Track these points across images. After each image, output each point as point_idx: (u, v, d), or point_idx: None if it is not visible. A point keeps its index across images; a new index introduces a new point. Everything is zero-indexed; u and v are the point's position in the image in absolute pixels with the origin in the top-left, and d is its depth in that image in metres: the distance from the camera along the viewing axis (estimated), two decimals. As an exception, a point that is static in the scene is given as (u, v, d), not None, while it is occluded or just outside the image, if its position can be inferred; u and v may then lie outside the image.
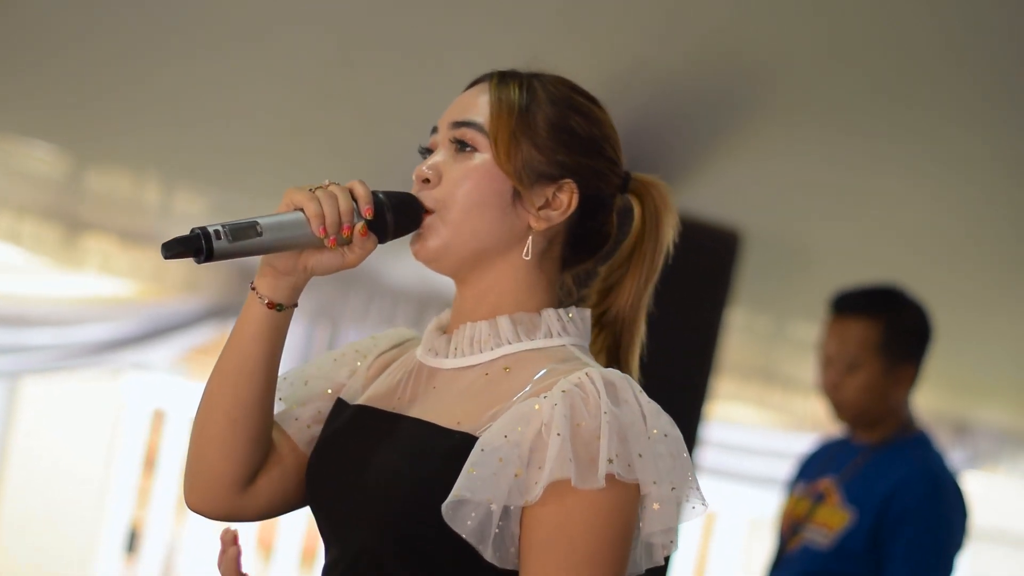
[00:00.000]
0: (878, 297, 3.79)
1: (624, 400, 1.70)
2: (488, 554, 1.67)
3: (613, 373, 1.73)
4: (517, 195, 1.82)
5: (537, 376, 1.76)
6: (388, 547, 1.73)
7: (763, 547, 6.99)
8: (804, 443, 4.39)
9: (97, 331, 5.41)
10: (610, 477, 1.65)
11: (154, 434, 7.41)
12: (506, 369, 1.80)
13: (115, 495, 7.27)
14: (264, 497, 1.91)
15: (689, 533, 8.10)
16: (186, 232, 1.71)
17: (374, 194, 1.79)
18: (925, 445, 3.75)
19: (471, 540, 1.66)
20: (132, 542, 7.41)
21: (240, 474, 1.87)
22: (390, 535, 1.72)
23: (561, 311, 1.85)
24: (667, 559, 1.77)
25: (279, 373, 1.89)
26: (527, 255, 1.83)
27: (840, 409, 3.79)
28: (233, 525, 1.90)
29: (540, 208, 1.83)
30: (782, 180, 4.51)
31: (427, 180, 1.83)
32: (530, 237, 1.83)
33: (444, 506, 1.65)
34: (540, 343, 1.82)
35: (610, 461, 1.65)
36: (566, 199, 1.84)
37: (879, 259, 5.00)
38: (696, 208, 4.39)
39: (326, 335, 5.63)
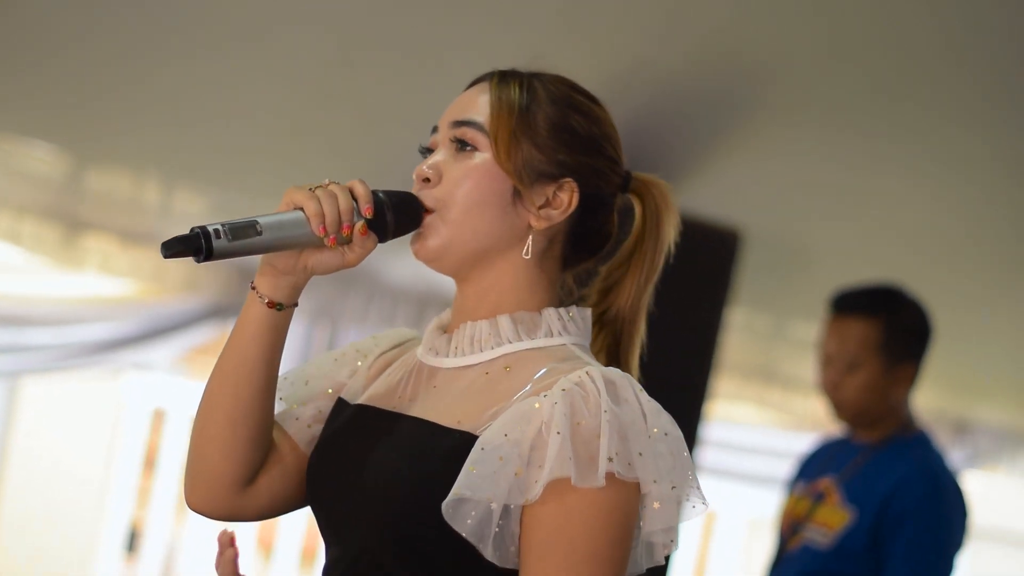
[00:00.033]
0: (878, 296, 3.79)
1: (624, 399, 1.70)
2: (488, 553, 1.67)
3: (613, 372, 1.73)
4: (517, 194, 1.82)
5: (538, 375, 1.76)
6: (388, 547, 1.73)
7: (763, 547, 6.99)
8: (804, 443, 4.39)
9: (97, 331, 5.41)
10: (610, 476, 1.65)
11: (154, 434, 7.41)
12: (507, 368, 1.79)
13: (115, 495, 7.27)
14: (265, 497, 1.91)
15: (689, 533, 8.10)
16: (186, 231, 1.71)
17: (374, 193, 1.79)
18: (925, 444, 3.75)
19: (471, 539, 1.66)
20: (132, 542, 7.41)
21: (240, 474, 1.87)
22: (390, 535, 1.72)
23: (562, 310, 1.85)
24: (667, 558, 1.77)
25: (279, 373, 1.89)
26: (527, 254, 1.83)
27: (840, 408, 3.79)
28: (233, 525, 1.90)
29: (540, 207, 1.83)
30: (782, 180, 4.51)
31: (427, 179, 1.83)
32: (530, 236, 1.83)
33: (444, 504, 1.65)
34: (541, 342, 1.82)
35: (610, 460, 1.65)
36: (566, 198, 1.84)
37: (879, 259, 5.00)
38: (696, 208, 4.39)
39: (326, 335, 5.63)
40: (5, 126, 4.72)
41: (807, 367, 4.73)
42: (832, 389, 3.78)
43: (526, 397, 1.73)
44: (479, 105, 1.85)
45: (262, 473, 1.90)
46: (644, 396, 1.72)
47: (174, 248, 1.70)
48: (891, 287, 3.83)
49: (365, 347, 2.01)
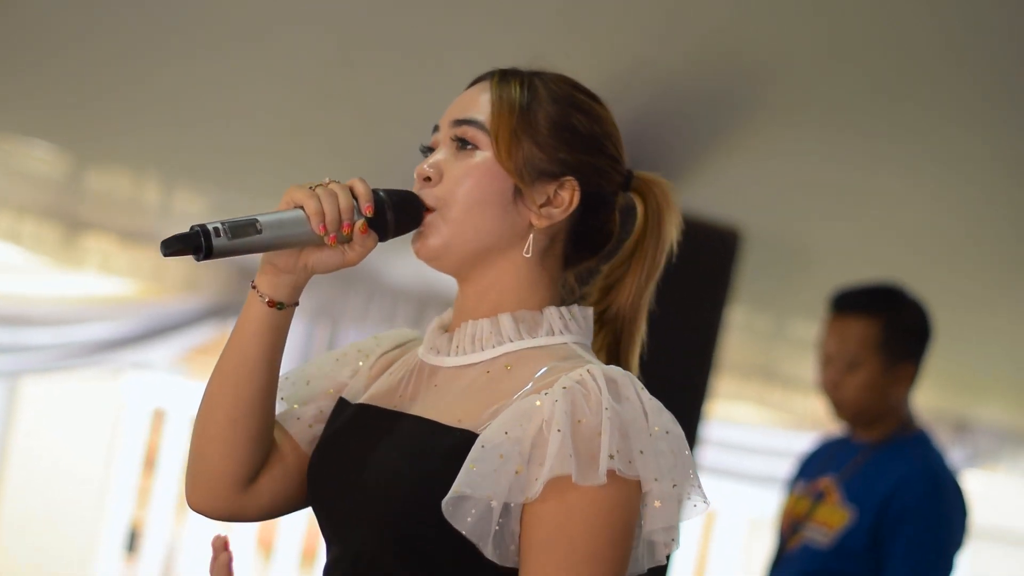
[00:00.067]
0: (878, 296, 3.79)
1: (626, 397, 1.70)
2: (488, 551, 1.66)
3: (615, 370, 1.73)
4: (518, 193, 1.82)
5: (539, 373, 1.76)
6: (388, 546, 1.73)
7: (763, 546, 6.99)
8: (804, 442, 4.39)
9: (97, 331, 5.42)
10: (611, 473, 1.65)
11: (154, 434, 7.41)
12: (508, 367, 1.79)
13: (115, 495, 7.28)
14: (266, 497, 1.90)
15: (689, 532, 8.11)
16: (186, 230, 1.71)
17: (375, 192, 1.79)
18: (925, 444, 3.75)
19: (471, 537, 1.65)
20: (132, 542, 7.41)
21: (241, 473, 1.87)
22: (390, 534, 1.72)
23: (563, 309, 1.85)
24: (668, 557, 1.76)
25: (280, 373, 1.89)
26: (528, 253, 1.83)
27: (840, 408, 3.79)
28: (231, 526, 1.90)
29: (541, 206, 1.83)
30: (782, 180, 4.51)
31: (428, 178, 1.83)
32: (531, 235, 1.83)
33: (444, 502, 1.65)
34: (542, 341, 1.82)
35: (611, 457, 1.65)
36: (567, 197, 1.83)
37: (879, 259, 5.00)
38: (696, 207, 4.39)
39: (326, 334, 5.63)
40: (5, 126, 4.72)
41: (807, 366, 4.73)
42: (832, 388, 3.78)
43: (527, 395, 1.72)
44: (480, 104, 1.84)
45: (263, 473, 1.90)
46: (645, 394, 1.72)
47: (174, 246, 1.70)
48: (891, 286, 3.83)
49: (367, 347, 2.01)
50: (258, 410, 1.85)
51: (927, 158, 4.25)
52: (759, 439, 6.91)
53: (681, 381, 4.37)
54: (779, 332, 6.29)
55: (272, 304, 1.81)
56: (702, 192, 4.39)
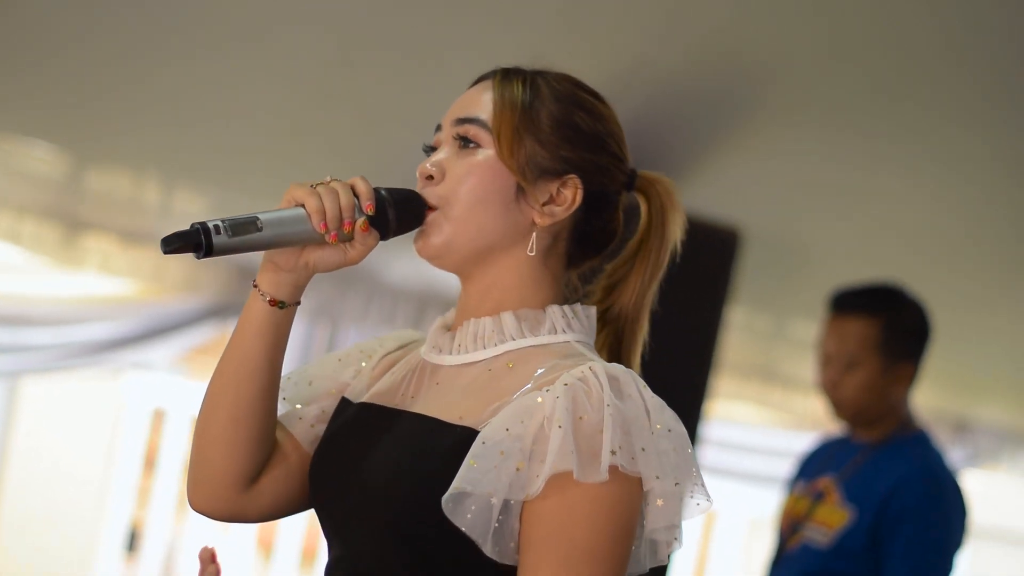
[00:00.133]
0: (877, 295, 3.79)
1: (628, 394, 1.69)
2: (487, 549, 1.66)
3: (617, 368, 1.72)
4: (521, 191, 1.82)
5: (540, 371, 1.76)
6: (388, 545, 1.72)
7: (763, 546, 6.99)
8: (804, 442, 4.39)
9: (97, 331, 5.42)
10: (613, 470, 1.64)
11: (154, 434, 7.41)
12: (509, 365, 1.79)
13: (115, 495, 7.28)
14: (268, 497, 1.90)
15: (689, 532, 8.11)
16: (186, 228, 1.71)
17: (376, 190, 1.79)
18: (924, 443, 3.75)
19: (471, 534, 1.65)
20: (132, 542, 7.42)
21: (243, 473, 1.87)
22: (390, 533, 1.72)
23: (566, 307, 1.84)
24: (669, 557, 1.76)
25: (282, 373, 1.89)
26: (532, 251, 1.83)
27: (839, 407, 3.79)
28: (231, 526, 1.90)
29: (544, 204, 1.83)
30: (782, 180, 4.51)
31: (430, 177, 1.83)
32: (534, 233, 1.83)
33: (444, 499, 1.65)
34: (544, 339, 1.82)
35: (613, 453, 1.64)
36: (570, 195, 1.83)
37: (879, 258, 5.01)
38: (696, 207, 4.38)
39: (326, 334, 5.63)
40: (5, 126, 4.72)
41: (807, 366, 4.73)
42: (831, 388, 3.78)
43: (528, 392, 1.72)
44: (482, 102, 1.84)
45: (265, 473, 1.90)
46: (648, 392, 1.71)
47: (174, 244, 1.70)
48: (890, 286, 3.83)
49: (369, 348, 2.00)
50: (260, 410, 1.85)
51: (927, 158, 4.25)
52: (759, 439, 6.91)
53: (681, 381, 4.37)
54: (779, 332, 6.29)
55: (273, 303, 1.81)
56: (702, 192, 4.39)
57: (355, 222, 1.77)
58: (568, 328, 1.83)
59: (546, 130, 1.83)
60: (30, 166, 4.96)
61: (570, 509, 1.66)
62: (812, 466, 3.94)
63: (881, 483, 3.65)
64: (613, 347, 1.93)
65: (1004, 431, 6.97)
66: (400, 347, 2.00)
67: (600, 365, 1.72)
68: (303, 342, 5.55)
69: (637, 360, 1.93)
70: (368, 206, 1.77)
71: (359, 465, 1.79)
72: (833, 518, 3.69)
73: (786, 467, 4.31)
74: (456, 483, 1.65)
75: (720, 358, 4.81)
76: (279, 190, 1.79)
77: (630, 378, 1.72)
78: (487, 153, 1.82)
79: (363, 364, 1.98)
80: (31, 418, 7.06)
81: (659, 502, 1.69)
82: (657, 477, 1.67)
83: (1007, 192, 4.37)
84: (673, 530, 1.71)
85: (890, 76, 3.83)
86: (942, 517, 3.62)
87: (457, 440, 1.71)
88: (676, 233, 1.93)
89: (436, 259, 1.84)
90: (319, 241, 1.77)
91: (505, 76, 1.87)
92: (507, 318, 1.82)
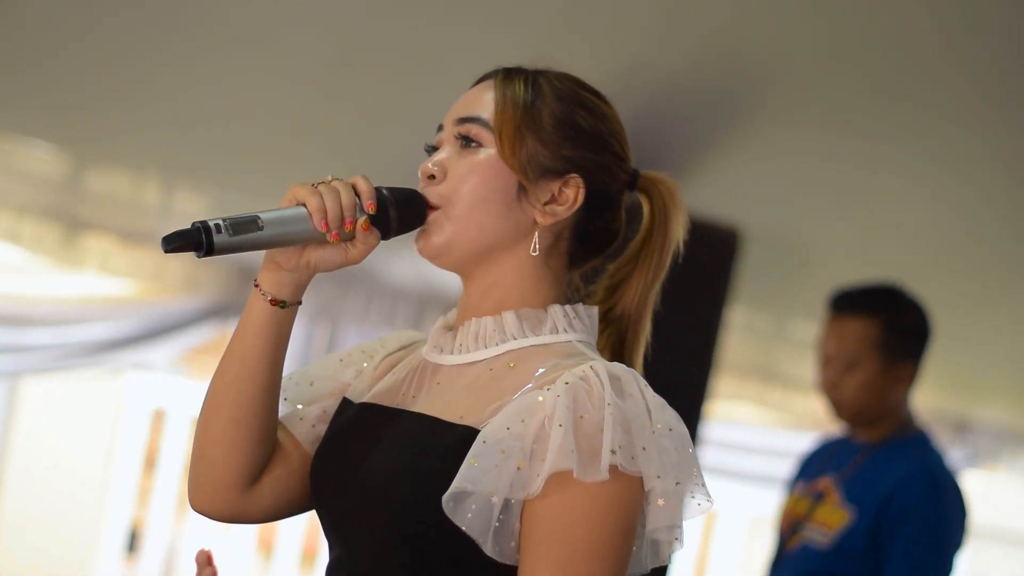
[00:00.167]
0: (877, 296, 3.79)
1: (629, 394, 1.69)
2: (488, 548, 1.66)
3: (618, 367, 1.72)
4: (522, 190, 1.81)
5: (541, 370, 1.76)
6: (388, 544, 1.72)
7: (763, 546, 6.99)
8: (804, 442, 4.39)
9: (97, 331, 5.42)
10: (613, 469, 1.64)
11: (154, 434, 7.42)
12: (511, 364, 1.79)
13: (115, 495, 7.28)
14: (269, 497, 1.90)
15: (689, 532, 8.11)
16: (187, 227, 1.71)
17: (377, 189, 1.79)
18: (924, 444, 3.74)
19: (471, 533, 1.65)
20: (132, 542, 7.42)
21: (244, 474, 1.86)
22: (390, 532, 1.72)
23: (568, 307, 1.84)
24: (670, 557, 1.76)
25: (284, 374, 1.89)
26: (534, 251, 1.83)
27: (839, 408, 3.79)
28: (231, 527, 1.89)
29: (546, 203, 1.82)
30: (782, 180, 4.51)
31: (432, 176, 1.83)
32: (536, 232, 1.83)
33: (444, 498, 1.64)
34: (546, 339, 1.81)
35: (613, 452, 1.64)
36: (572, 194, 1.83)
37: (879, 258, 5.00)
38: (696, 207, 4.36)
39: (326, 335, 5.64)
40: (5, 126, 4.72)
41: (807, 366, 4.73)
42: (831, 388, 3.78)
43: (529, 392, 1.72)
44: (484, 102, 1.84)
45: (266, 473, 1.89)
46: (649, 392, 1.71)
47: (174, 243, 1.70)
48: (890, 286, 3.83)
49: (371, 348, 2.00)
50: (261, 410, 1.85)
51: (927, 158, 4.25)
52: (759, 439, 6.91)
53: (681, 381, 4.37)
54: (779, 332, 6.29)
55: (275, 302, 1.81)
56: (702, 192, 4.39)
57: (356, 221, 1.77)
58: (570, 328, 1.83)
59: (548, 129, 1.83)
60: (30, 166, 4.96)
61: (570, 508, 1.65)
62: (812, 466, 3.93)
63: (881, 484, 3.64)
64: (616, 347, 1.92)
65: (1004, 431, 6.97)
66: (402, 348, 1.99)
67: (601, 364, 1.72)
68: (303, 342, 5.56)
69: (640, 360, 1.93)
70: (369, 205, 1.77)
71: (359, 465, 1.78)
72: (833, 518, 3.69)
73: (786, 467, 4.31)
74: (456, 482, 1.65)
75: (720, 358, 4.81)
76: (279, 190, 1.79)
77: (631, 377, 1.71)
78: (489, 152, 1.82)
79: (365, 365, 1.98)
80: (31, 418, 7.06)
81: (660, 502, 1.68)
82: (658, 476, 1.67)
83: (1007, 192, 4.37)
84: (674, 530, 1.71)
85: (890, 76, 3.83)
86: (942, 518, 3.62)
87: (458, 439, 1.71)
88: (679, 233, 1.93)
89: (437, 258, 1.84)
90: (320, 240, 1.77)
91: (507, 75, 1.86)
92: (508, 317, 1.82)
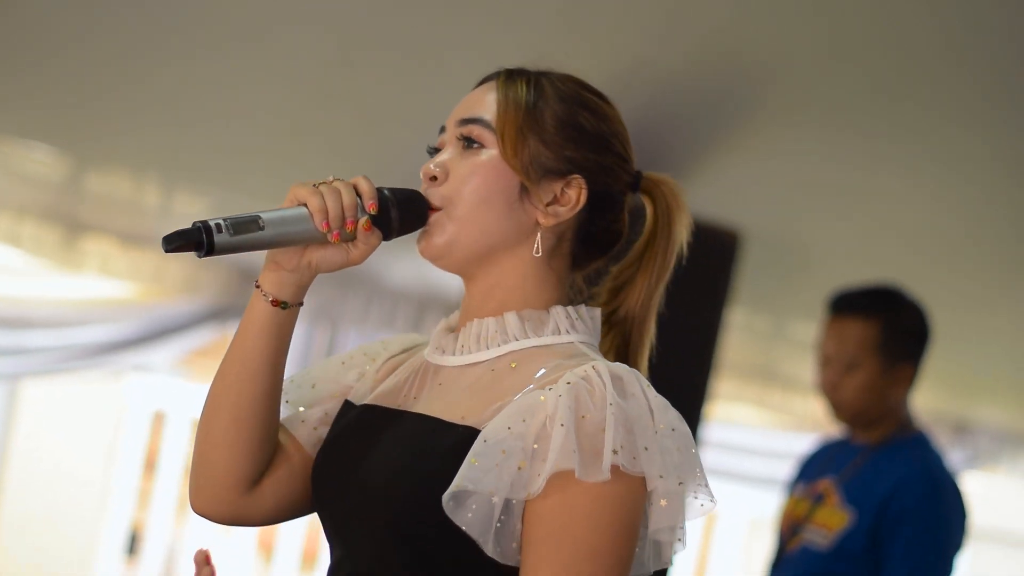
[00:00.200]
0: (876, 297, 3.79)
1: (631, 394, 1.69)
2: (489, 548, 1.65)
3: (621, 367, 1.72)
4: (524, 191, 1.81)
5: (542, 371, 1.75)
6: (389, 545, 1.72)
7: (763, 548, 6.99)
8: (804, 443, 4.39)
9: (97, 333, 5.42)
10: (615, 469, 1.64)
11: (155, 436, 7.42)
12: (512, 365, 1.79)
13: (116, 497, 7.28)
14: (270, 499, 1.90)
15: (689, 534, 8.10)
16: (187, 226, 1.71)
17: (379, 190, 1.79)
18: (924, 445, 3.74)
19: (471, 533, 1.64)
20: (133, 544, 7.42)
21: (245, 475, 1.86)
22: (390, 533, 1.71)
23: (570, 308, 1.84)
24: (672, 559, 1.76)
25: (286, 376, 1.89)
26: (536, 252, 1.83)
27: (839, 409, 3.79)
28: (232, 529, 1.89)
29: (548, 204, 1.82)
30: (782, 180, 4.51)
31: (434, 178, 1.83)
32: (538, 233, 1.83)
33: (445, 497, 1.64)
34: (548, 340, 1.81)
35: (615, 452, 1.63)
36: (574, 195, 1.83)
37: (879, 259, 5.00)
38: (696, 208, 4.37)
39: (326, 336, 5.63)
40: (5, 127, 4.72)
41: (807, 368, 4.73)
42: (831, 390, 3.78)
43: (531, 392, 1.71)
44: (486, 103, 1.84)
45: (267, 475, 1.89)
46: (651, 392, 1.70)
47: (175, 242, 1.70)
48: (889, 287, 3.83)
49: (373, 351, 2.00)
50: (262, 411, 1.84)
51: (927, 158, 4.25)
52: (759, 440, 6.91)
53: (681, 382, 4.37)
54: (779, 333, 6.28)
55: (276, 303, 1.81)
56: (702, 192, 4.38)
57: (358, 221, 1.76)
58: (572, 329, 1.83)
59: (550, 130, 1.83)
60: (30, 168, 4.95)
61: (571, 508, 1.65)
62: (812, 468, 3.93)
63: (881, 485, 3.64)
64: (620, 350, 1.92)
65: (1004, 432, 6.97)
66: (404, 350, 1.99)
67: (603, 364, 1.71)
68: (303, 344, 5.55)
69: (645, 363, 1.93)
70: (371, 205, 1.77)
71: (360, 465, 1.78)
72: (833, 520, 3.69)
73: (786, 469, 4.31)
74: (457, 481, 1.64)
75: (720, 359, 4.81)
76: (280, 191, 1.79)
77: (633, 377, 1.71)
78: (491, 153, 1.82)
79: (367, 367, 1.98)
80: (32, 420, 7.06)
81: (662, 502, 1.68)
82: (660, 477, 1.66)
83: (1007, 192, 4.37)
84: (677, 531, 1.71)
85: (890, 76, 3.82)
86: (942, 519, 3.62)
87: (458, 439, 1.71)
88: (682, 234, 1.93)
89: (439, 259, 1.84)
90: (321, 240, 1.76)
91: (509, 77, 1.86)
92: (510, 318, 1.82)
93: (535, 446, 1.66)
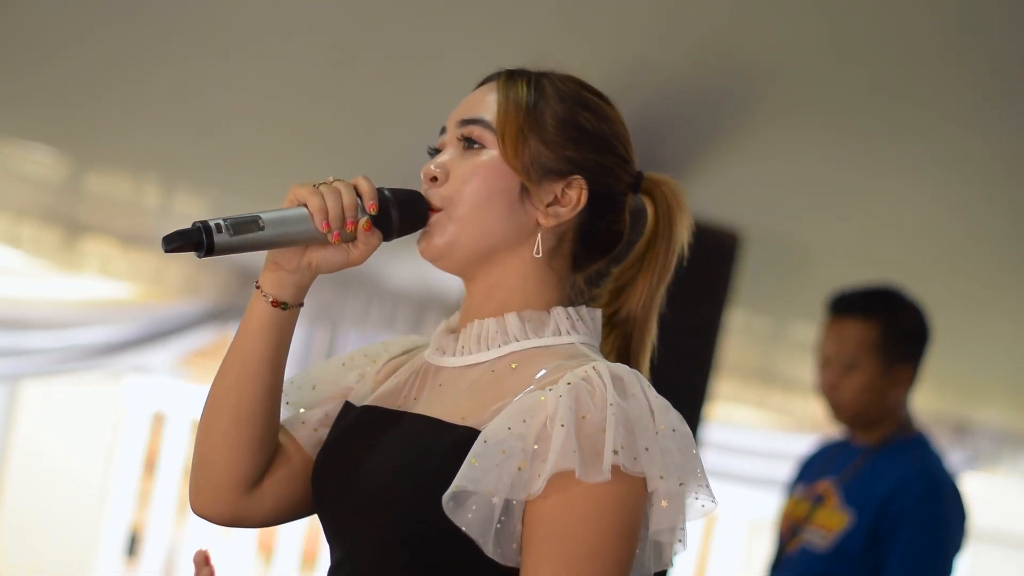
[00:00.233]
0: (875, 298, 3.79)
1: (632, 394, 1.68)
2: (489, 549, 1.65)
3: (621, 368, 1.71)
4: (525, 191, 1.81)
5: (543, 372, 1.75)
6: (389, 546, 1.71)
7: (763, 548, 6.99)
8: (803, 444, 4.39)
9: (97, 334, 5.42)
10: (615, 469, 1.63)
11: (154, 437, 7.41)
12: (513, 366, 1.78)
13: (115, 498, 7.28)
14: (270, 500, 1.89)
15: (689, 535, 8.10)
16: (187, 226, 1.71)
17: (379, 190, 1.78)
18: (923, 446, 3.74)
19: (471, 533, 1.64)
20: (132, 545, 7.41)
21: (245, 477, 1.86)
22: (390, 534, 1.71)
23: (571, 309, 1.84)
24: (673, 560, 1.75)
25: (286, 377, 1.89)
26: (538, 253, 1.82)
27: (838, 410, 3.79)
28: (232, 530, 1.88)
29: (549, 205, 1.82)
30: (782, 180, 4.51)
31: (435, 178, 1.83)
32: (539, 234, 1.82)
33: (445, 497, 1.63)
34: (548, 340, 1.81)
35: (615, 452, 1.63)
36: (575, 195, 1.83)
37: (879, 259, 5.00)
38: (696, 208, 4.37)
39: (326, 337, 5.63)
40: (4, 128, 4.72)
41: (807, 369, 4.73)
42: (830, 391, 3.78)
43: (531, 392, 1.71)
44: (487, 104, 1.84)
45: (267, 476, 1.89)
46: (652, 392, 1.70)
47: (175, 242, 1.69)
48: (889, 288, 3.83)
49: (374, 352, 2.00)
50: (262, 412, 1.84)
51: (927, 158, 4.25)
52: (759, 441, 6.91)
53: (681, 383, 4.36)
54: (779, 334, 6.29)
55: (276, 304, 1.81)
56: (702, 193, 4.38)
57: (358, 222, 1.76)
58: (572, 330, 1.82)
59: (551, 131, 1.82)
60: (29, 169, 4.95)
61: (572, 509, 1.64)
62: (811, 469, 3.93)
63: (880, 486, 3.64)
64: (622, 351, 1.92)
65: (1004, 433, 6.97)
66: (405, 352, 1.99)
67: (604, 365, 1.71)
68: (303, 345, 5.55)
69: (646, 364, 1.92)
70: (371, 206, 1.77)
71: (360, 466, 1.78)
72: (832, 521, 3.69)
73: (786, 470, 4.31)
74: (457, 481, 1.64)
75: (720, 360, 4.80)
76: (279, 192, 1.78)
77: (634, 378, 1.71)
78: (491, 154, 1.81)
79: (368, 369, 1.97)
80: (31, 421, 7.06)
81: (663, 503, 1.68)
82: (661, 477, 1.66)
83: (1007, 192, 4.37)
84: (677, 532, 1.70)
85: (890, 76, 3.82)
86: (941, 520, 3.62)
87: (458, 440, 1.70)
88: (683, 235, 1.93)
89: (439, 260, 1.83)
90: (322, 241, 1.76)
91: (510, 77, 1.86)
92: (511, 319, 1.81)
93: (535, 447, 1.65)
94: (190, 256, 1.71)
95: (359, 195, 1.77)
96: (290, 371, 1.90)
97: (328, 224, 1.74)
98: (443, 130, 1.87)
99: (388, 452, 1.76)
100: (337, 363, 2.00)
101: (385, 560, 1.72)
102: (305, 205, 1.75)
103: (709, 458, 6.14)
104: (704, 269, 4.46)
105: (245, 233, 1.71)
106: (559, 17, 3.78)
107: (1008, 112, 3.88)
